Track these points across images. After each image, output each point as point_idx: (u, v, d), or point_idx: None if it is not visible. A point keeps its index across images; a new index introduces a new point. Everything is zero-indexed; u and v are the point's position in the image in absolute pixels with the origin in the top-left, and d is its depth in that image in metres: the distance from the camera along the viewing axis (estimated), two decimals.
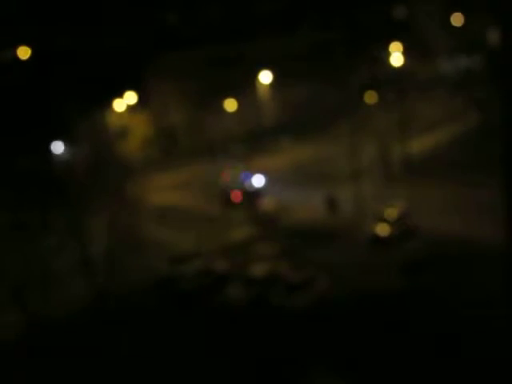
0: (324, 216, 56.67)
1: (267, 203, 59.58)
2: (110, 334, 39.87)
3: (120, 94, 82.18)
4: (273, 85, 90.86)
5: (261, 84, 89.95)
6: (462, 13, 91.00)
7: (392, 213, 50.66)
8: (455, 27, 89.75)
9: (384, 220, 49.89)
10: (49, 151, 45.93)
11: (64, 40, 78.51)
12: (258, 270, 43.56)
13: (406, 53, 73.90)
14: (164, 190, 74.63)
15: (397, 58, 70.24)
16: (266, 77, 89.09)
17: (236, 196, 63.31)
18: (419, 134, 74.04)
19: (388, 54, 74.44)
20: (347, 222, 54.10)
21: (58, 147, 72.87)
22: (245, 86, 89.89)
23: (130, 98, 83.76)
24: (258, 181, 66.85)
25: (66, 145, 56.06)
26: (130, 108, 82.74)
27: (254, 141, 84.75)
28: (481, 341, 34.34)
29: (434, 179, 61.52)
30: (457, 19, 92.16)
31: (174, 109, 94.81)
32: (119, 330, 40.45)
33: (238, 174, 66.75)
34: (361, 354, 34.72)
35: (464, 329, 35.72)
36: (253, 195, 61.97)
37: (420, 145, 72.77)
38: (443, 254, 45.14)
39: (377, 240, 49.06)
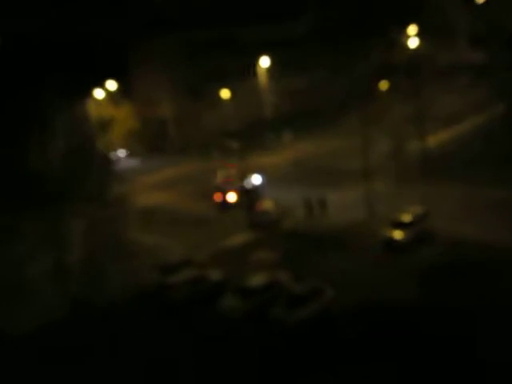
0: (332, 219, 56.59)
1: (267, 204, 59.36)
2: (89, 351, 39.57)
3: (101, 83, 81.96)
4: (272, 73, 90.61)
5: (260, 72, 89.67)
6: None
7: (407, 216, 50.51)
8: (478, 8, 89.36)
9: (399, 224, 49.72)
10: (23, 146, 45.64)
11: (39, 24, 78.27)
12: (257, 279, 43.27)
13: (423, 36, 73.60)
14: (152, 189, 74.37)
15: (413, 42, 69.89)
16: (265, 63, 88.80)
17: (231, 196, 63.22)
18: (438, 127, 73.85)
19: (404, 38, 74.12)
20: (358, 226, 53.81)
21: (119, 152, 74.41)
22: (242, 75, 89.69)
23: (113, 86, 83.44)
24: (256, 179, 66.68)
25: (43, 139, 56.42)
26: (113, 98, 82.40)
27: (251, 135, 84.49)
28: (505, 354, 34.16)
29: (454, 178, 61.33)
30: None
31: (163, 99, 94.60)
32: (100, 345, 40.16)
33: (233, 172, 66.79)
34: (371, 377, 34.41)
35: (486, 346, 35.45)
36: (250, 195, 61.74)
37: (439, 139, 72.52)
38: (463, 261, 44.89)
39: (391, 246, 48.82)
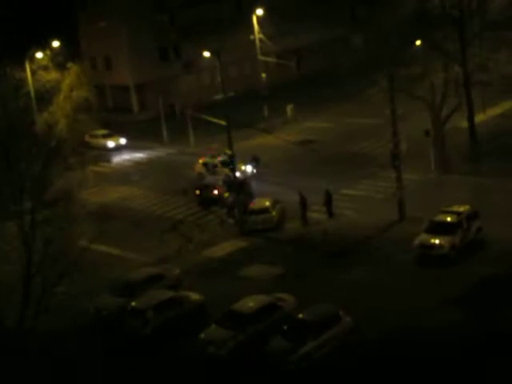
0: (350, 222, 56.65)
1: (263, 201, 59.29)
2: None
3: (43, 44, 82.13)
4: (271, 26, 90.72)
5: (254, 24, 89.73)
6: None
7: (451, 216, 50.56)
8: None
9: (439, 226, 49.75)
10: None
11: None
12: (250, 303, 43.17)
13: None
14: (108, 182, 74.27)
15: None
16: (261, 13, 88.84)
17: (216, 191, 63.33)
18: (494, 98, 74.11)
19: None
20: (385, 231, 54.02)
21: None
22: (229, 29, 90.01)
23: (57, 48, 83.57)
24: (249, 168, 66.85)
25: None
26: (57, 59, 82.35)
27: (240, 108, 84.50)
28: None
29: None
30: None
31: (122, 62, 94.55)
32: None
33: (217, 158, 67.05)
34: None
35: None
36: (241, 189, 61.69)
37: (495, 114, 72.89)
38: None
39: (427, 255, 48.99)
